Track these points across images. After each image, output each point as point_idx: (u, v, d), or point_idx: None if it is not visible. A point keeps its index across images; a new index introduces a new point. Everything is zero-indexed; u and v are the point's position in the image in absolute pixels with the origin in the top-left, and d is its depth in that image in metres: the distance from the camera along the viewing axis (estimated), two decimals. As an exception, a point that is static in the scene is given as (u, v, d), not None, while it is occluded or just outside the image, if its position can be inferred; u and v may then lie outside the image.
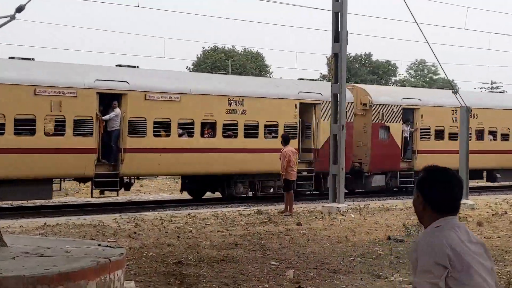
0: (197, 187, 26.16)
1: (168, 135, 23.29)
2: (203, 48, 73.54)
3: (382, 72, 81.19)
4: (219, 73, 26.26)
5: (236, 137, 24.67)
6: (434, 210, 3.54)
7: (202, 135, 24.09)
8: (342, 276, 10.61)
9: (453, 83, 27.68)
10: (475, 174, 31.37)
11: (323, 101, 26.05)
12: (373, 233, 15.08)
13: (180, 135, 23.67)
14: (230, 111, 24.37)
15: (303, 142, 26.46)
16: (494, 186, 34.17)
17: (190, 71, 62.65)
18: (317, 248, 13.03)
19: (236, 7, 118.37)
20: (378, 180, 28.68)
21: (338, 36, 20.04)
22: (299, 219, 17.56)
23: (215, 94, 24.20)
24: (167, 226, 16.04)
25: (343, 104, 20.37)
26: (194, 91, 23.76)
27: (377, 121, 28.25)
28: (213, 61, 70.18)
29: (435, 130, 29.79)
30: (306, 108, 26.44)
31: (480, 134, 31.42)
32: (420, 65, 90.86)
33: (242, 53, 74.23)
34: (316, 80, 59.35)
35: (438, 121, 29.78)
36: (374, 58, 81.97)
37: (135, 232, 14.76)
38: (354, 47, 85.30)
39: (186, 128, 23.80)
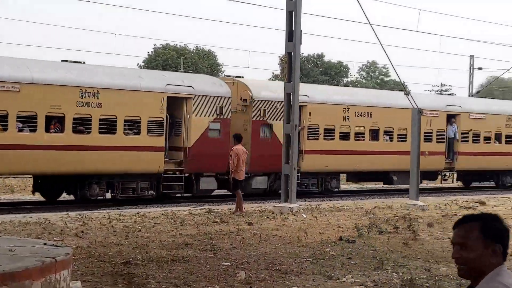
0: (51, 187, 23.43)
1: (5, 129, 20.70)
2: (154, 45, 73.03)
3: (334, 73, 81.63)
4: (73, 62, 23.26)
5: (89, 132, 22.24)
6: (503, 259, 3.27)
7: (47, 130, 21.51)
8: (293, 277, 10.50)
9: (404, 85, 27.64)
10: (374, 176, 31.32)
11: (196, 95, 24.30)
12: (324, 234, 15.01)
13: (20, 130, 21.14)
14: (82, 103, 21.87)
15: (172, 139, 24.37)
16: (443, 188, 34.55)
17: (141, 68, 62.06)
18: (269, 249, 12.90)
19: (189, 4, 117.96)
20: (259, 182, 26.39)
21: (292, 35, 19.95)
22: (251, 219, 17.42)
23: (64, 84, 21.73)
24: (115, 225, 15.74)
25: (296, 104, 20.27)
26: (38, 81, 21.26)
27: (258, 119, 26.05)
28: (165, 58, 69.68)
29: (325, 129, 27.75)
30: (175, 103, 24.21)
31: (375, 134, 29.83)
32: (372, 67, 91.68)
33: (194, 51, 73.86)
34: (273, 79, 59.57)
35: (327, 120, 27.74)
36: (326, 58, 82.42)
37: (82, 231, 14.44)
38: (306, 48, 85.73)
39: (28, 122, 21.23)
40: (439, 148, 31.73)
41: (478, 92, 57.12)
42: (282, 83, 32.75)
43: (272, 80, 60.34)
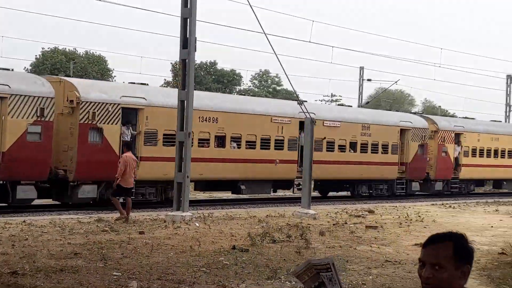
0: None
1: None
2: (42, 48, 71.02)
3: (227, 81, 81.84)
4: None
5: None
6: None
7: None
8: (186, 287, 10.33)
9: (297, 94, 27.87)
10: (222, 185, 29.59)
11: (12, 94, 22.04)
12: (217, 243, 14.90)
13: None
14: None
15: None
16: (333, 196, 35.13)
17: (28, 72, 60.20)
18: (161, 258, 12.66)
19: (79, 8, 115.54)
20: (87, 191, 24.17)
21: (187, 42, 19.78)
22: (142, 228, 17.10)
23: None
24: (0, 233, 15.09)
25: (190, 111, 20.06)
26: None
27: (86, 122, 23.94)
28: (53, 62, 67.89)
29: (164, 135, 25.76)
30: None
31: (221, 141, 28.24)
32: (264, 76, 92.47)
33: (84, 55, 72.32)
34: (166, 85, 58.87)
35: (167, 124, 25.24)
36: (219, 66, 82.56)
37: (-36, 240, 13.76)
38: (199, 55, 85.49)
39: None
40: (291, 157, 30.50)
41: (367, 102, 58.60)
42: (117, 84, 31.31)
43: (164, 86, 59.76)
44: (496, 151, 42.15)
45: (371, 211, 23.72)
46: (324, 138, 31.78)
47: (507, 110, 57.05)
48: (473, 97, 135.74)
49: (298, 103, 23.88)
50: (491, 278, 11.87)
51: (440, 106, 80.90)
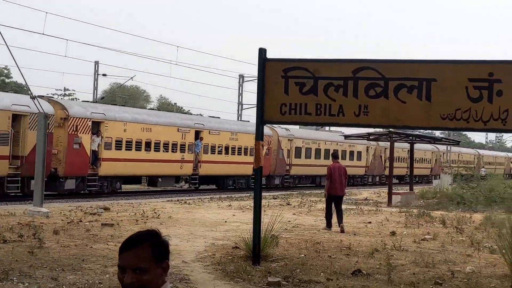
0: None
1: None
2: None
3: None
4: None
5: None
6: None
7: None
8: None
9: (28, 87, 26.66)
10: None
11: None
12: None
13: None
14: None
15: None
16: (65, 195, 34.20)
17: None
18: None
19: None
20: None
21: None
22: None
23: None
24: None
25: None
26: None
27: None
28: None
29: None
30: None
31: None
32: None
33: None
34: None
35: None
36: None
37: None
38: None
39: None
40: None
41: (102, 98, 57.92)
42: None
43: None
44: (148, 144, 36.62)
45: (106, 209, 23.40)
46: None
47: (239, 108, 59.59)
48: (208, 95, 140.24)
49: (31, 98, 22.81)
50: (226, 272, 12.19)
51: (176, 104, 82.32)
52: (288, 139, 49.87)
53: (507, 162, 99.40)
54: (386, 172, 61.92)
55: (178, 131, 38.98)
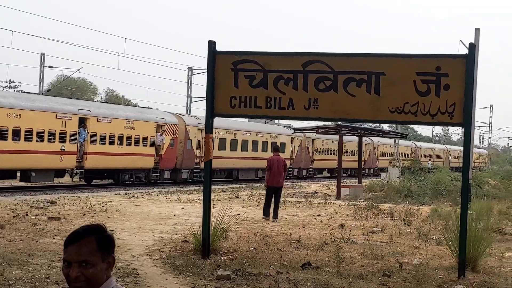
0: None
1: None
2: None
3: None
4: None
5: None
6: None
7: None
8: None
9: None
10: None
11: None
12: None
13: None
14: None
15: None
16: (23, 186, 33.61)
17: None
18: None
19: None
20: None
21: None
22: None
23: None
24: None
25: None
26: None
27: None
28: None
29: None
30: None
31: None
32: None
33: None
34: None
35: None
36: None
37: None
38: None
39: None
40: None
41: (48, 90, 57.04)
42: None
43: None
44: (17, 132, 31.51)
45: (53, 202, 23.07)
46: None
47: (188, 101, 59.31)
48: (157, 88, 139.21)
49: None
50: (175, 265, 12.11)
51: (124, 96, 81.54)
52: (198, 129, 43.23)
53: (446, 155, 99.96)
54: (315, 165, 61.58)
55: (56, 117, 33.45)
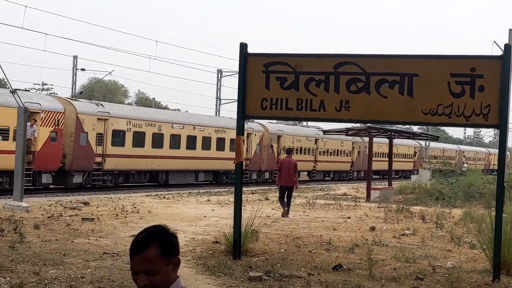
0: None
1: None
2: None
3: None
4: None
5: None
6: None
7: None
8: None
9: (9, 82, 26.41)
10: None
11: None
12: None
13: None
14: None
15: None
16: (47, 188, 33.98)
17: None
18: None
19: None
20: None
21: None
22: None
23: None
24: None
25: None
26: None
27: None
28: None
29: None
30: None
31: None
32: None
33: None
34: None
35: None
36: None
37: None
38: None
39: None
40: None
41: (81, 93, 57.55)
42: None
43: None
44: None
45: (86, 203, 23.28)
46: None
47: (218, 103, 59.49)
48: (187, 90, 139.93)
49: (10, 92, 22.61)
50: (207, 266, 12.16)
51: (154, 98, 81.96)
52: (99, 118, 33.98)
53: (487, 158, 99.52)
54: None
55: None
